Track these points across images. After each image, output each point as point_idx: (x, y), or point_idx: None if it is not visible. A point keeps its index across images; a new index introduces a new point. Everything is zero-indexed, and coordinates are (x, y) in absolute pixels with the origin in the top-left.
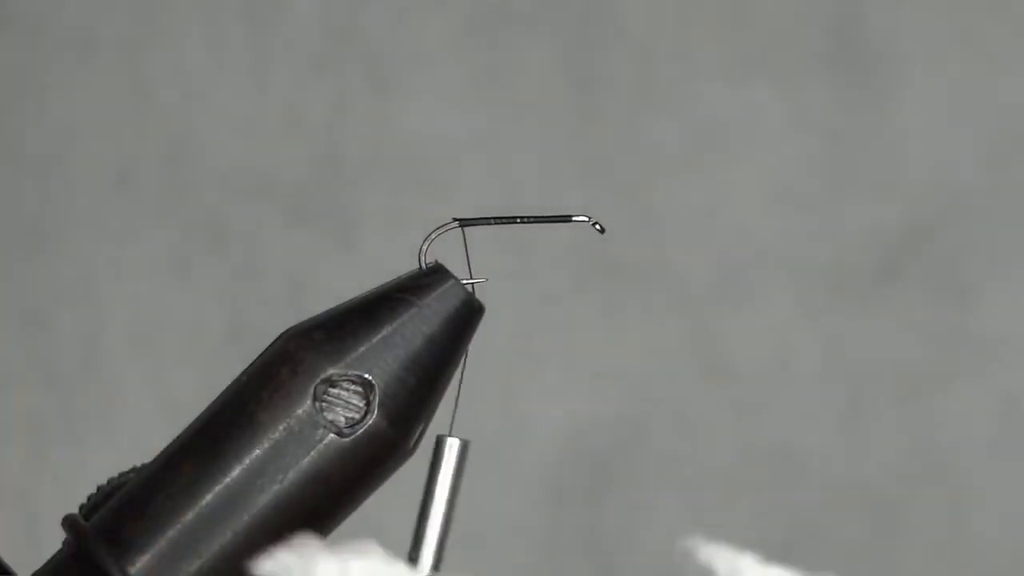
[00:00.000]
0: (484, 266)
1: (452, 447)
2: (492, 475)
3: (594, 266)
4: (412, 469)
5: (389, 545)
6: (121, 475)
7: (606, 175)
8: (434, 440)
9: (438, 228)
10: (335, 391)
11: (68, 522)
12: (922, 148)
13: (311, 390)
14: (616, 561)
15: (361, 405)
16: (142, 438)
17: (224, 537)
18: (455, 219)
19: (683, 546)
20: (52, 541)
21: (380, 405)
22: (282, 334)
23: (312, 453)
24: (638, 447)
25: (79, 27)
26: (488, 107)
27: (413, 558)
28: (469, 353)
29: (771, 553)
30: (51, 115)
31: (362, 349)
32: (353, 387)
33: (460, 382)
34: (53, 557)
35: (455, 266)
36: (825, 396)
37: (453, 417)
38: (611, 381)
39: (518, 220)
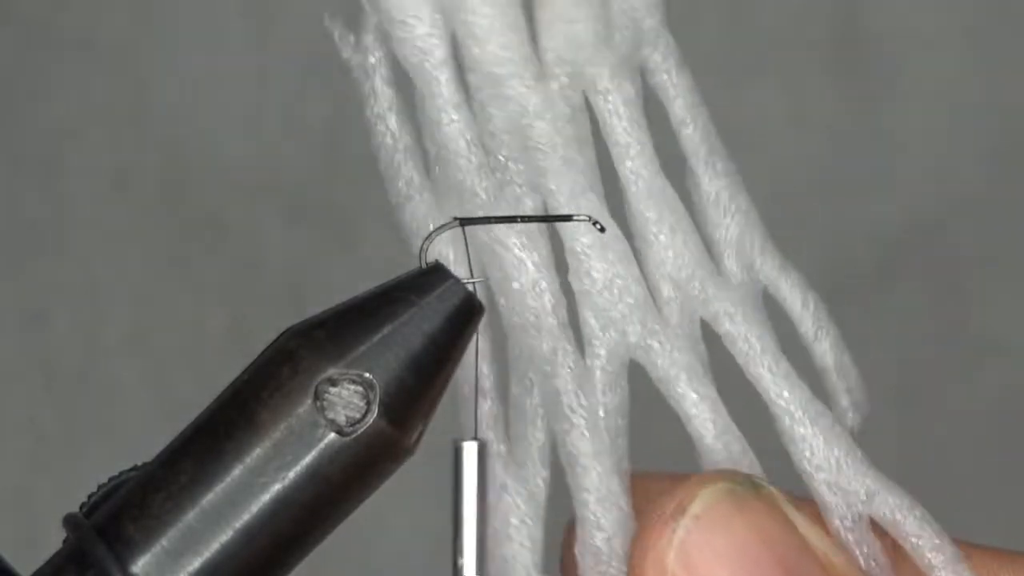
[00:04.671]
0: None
1: (470, 451)
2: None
3: None
4: (413, 469)
5: (389, 545)
6: (121, 474)
7: (606, 176)
8: (452, 447)
9: (438, 228)
10: (336, 390)
11: (68, 521)
12: (922, 148)
13: (312, 389)
14: None
15: (362, 404)
16: (142, 438)
17: (225, 536)
18: (455, 218)
19: None
20: (52, 541)
21: (381, 404)
22: (282, 333)
23: (313, 452)
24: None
25: (79, 27)
26: None
27: (456, 572)
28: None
29: None
30: (51, 115)
31: (363, 348)
32: (354, 386)
33: (476, 383)
34: (53, 557)
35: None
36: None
37: (476, 419)
38: None
39: (519, 219)
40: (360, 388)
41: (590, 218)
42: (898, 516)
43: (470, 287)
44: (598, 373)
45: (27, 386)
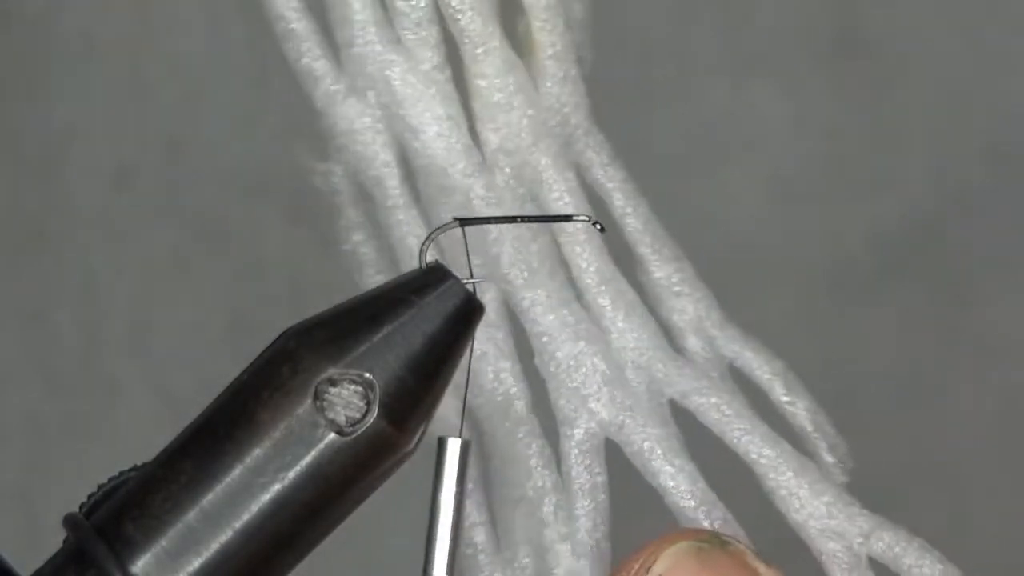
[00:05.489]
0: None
1: (454, 448)
2: None
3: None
4: (412, 469)
5: (388, 545)
6: (121, 474)
7: None
8: (436, 443)
9: (438, 228)
10: (336, 390)
11: (68, 521)
12: (922, 147)
13: (312, 389)
14: None
15: (362, 404)
16: (142, 438)
17: (225, 536)
18: (455, 218)
19: None
20: (52, 541)
21: (381, 404)
22: (283, 333)
23: (313, 452)
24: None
25: (79, 27)
26: None
27: (427, 571)
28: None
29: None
30: (51, 115)
31: (363, 348)
32: (354, 386)
33: (467, 382)
34: (53, 557)
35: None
36: (824, 396)
37: (463, 418)
38: None
39: (519, 219)
40: (360, 388)
41: (590, 218)
42: (897, 549)
43: (470, 287)
44: (574, 454)
45: (27, 386)
